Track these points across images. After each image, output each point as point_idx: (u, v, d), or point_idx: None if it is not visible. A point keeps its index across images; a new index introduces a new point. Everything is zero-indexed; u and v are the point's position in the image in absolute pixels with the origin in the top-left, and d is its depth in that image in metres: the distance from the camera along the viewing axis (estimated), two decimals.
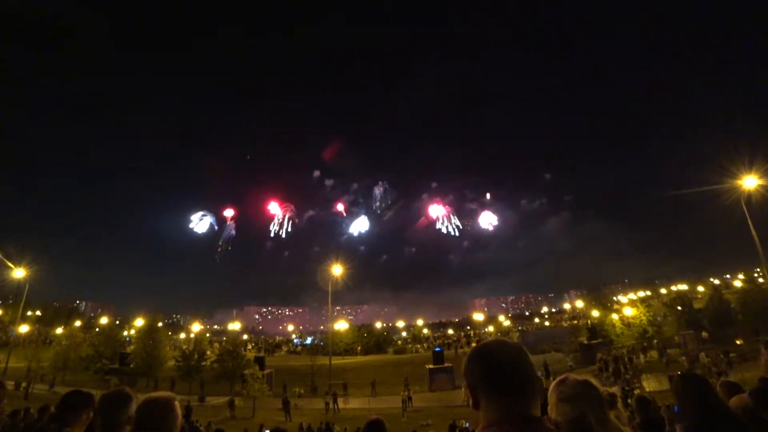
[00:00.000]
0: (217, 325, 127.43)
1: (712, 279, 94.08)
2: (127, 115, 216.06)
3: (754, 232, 21.74)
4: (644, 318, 41.39)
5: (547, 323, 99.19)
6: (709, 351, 27.79)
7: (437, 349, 37.63)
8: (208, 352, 40.50)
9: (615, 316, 43.86)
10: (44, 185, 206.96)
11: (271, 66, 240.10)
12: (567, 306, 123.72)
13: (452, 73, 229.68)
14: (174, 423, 1.91)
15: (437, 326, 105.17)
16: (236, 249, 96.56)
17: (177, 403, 1.98)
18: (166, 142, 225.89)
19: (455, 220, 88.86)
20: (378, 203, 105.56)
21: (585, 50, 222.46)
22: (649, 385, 22.95)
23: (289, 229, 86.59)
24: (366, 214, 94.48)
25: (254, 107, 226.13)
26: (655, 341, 36.68)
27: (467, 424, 15.46)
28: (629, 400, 10.66)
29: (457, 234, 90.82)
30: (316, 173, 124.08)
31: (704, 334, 36.04)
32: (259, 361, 33.72)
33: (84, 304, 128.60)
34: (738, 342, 31.50)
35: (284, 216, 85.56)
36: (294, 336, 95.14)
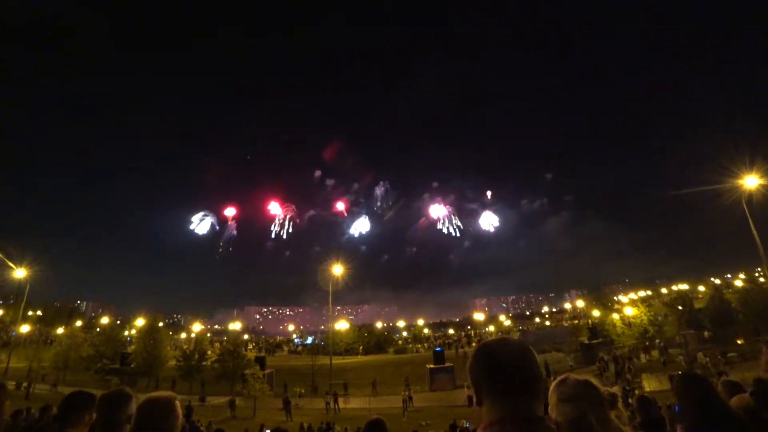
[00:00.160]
0: (218, 325, 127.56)
1: (712, 279, 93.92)
2: (127, 115, 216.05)
3: (755, 232, 21.72)
4: (645, 318, 41.36)
5: (547, 323, 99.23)
6: (707, 351, 27.78)
7: (438, 349, 37.66)
8: (209, 352, 40.59)
9: (616, 316, 43.83)
10: (44, 185, 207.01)
11: (271, 66, 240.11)
12: (567, 306, 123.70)
13: (452, 73, 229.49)
14: (174, 423, 1.91)
15: (438, 326, 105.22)
16: (237, 249, 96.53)
17: (178, 403, 1.98)
18: (166, 142, 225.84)
19: (456, 221, 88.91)
20: (379, 203, 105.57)
21: (585, 50, 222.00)
22: (650, 384, 22.94)
23: (290, 230, 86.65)
24: (367, 214, 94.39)
25: (254, 107, 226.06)
26: (657, 341, 36.68)
27: (467, 424, 15.46)
28: (630, 400, 10.66)
29: (457, 234, 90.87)
30: (317, 173, 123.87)
31: (706, 333, 36.02)
32: (260, 361, 33.75)
33: (85, 304, 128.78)
34: (739, 342, 31.44)
35: (285, 216, 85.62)
36: (294, 336, 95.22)
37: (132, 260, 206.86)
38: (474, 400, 1.24)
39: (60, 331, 47.90)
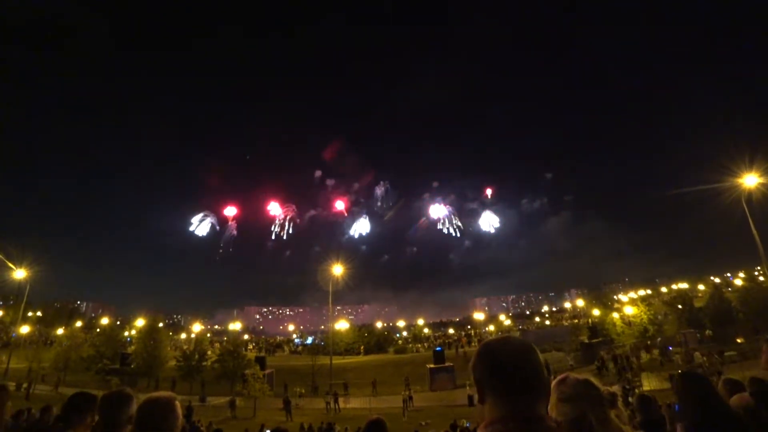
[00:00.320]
0: (218, 325, 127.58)
1: (712, 278, 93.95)
2: (127, 115, 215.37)
3: (754, 231, 21.73)
4: (645, 317, 41.43)
5: (547, 322, 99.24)
6: (704, 351, 27.85)
7: (438, 349, 37.66)
8: (209, 352, 40.58)
9: (616, 315, 43.88)
10: (44, 185, 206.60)
11: (271, 66, 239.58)
12: (568, 305, 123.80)
13: (452, 73, 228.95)
14: (175, 423, 1.91)
15: (438, 326, 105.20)
16: (237, 249, 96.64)
17: (178, 403, 1.99)
18: (166, 142, 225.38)
19: (456, 220, 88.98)
20: (379, 203, 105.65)
21: (585, 50, 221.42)
22: (650, 383, 22.93)
23: (290, 230, 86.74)
24: (367, 214, 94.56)
25: (254, 107, 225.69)
26: (659, 339, 36.73)
27: (468, 424, 15.47)
28: (630, 399, 10.66)
29: (458, 234, 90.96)
30: (317, 173, 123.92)
31: (708, 332, 36.06)
32: (260, 361, 33.77)
33: (85, 304, 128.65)
34: (739, 340, 31.49)
35: (285, 216, 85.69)
36: (295, 336, 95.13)
37: (132, 260, 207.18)
38: (476, 398, 1.25)
39: (60, 331, 47.92)
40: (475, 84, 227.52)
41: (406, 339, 74.04)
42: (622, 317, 43.11)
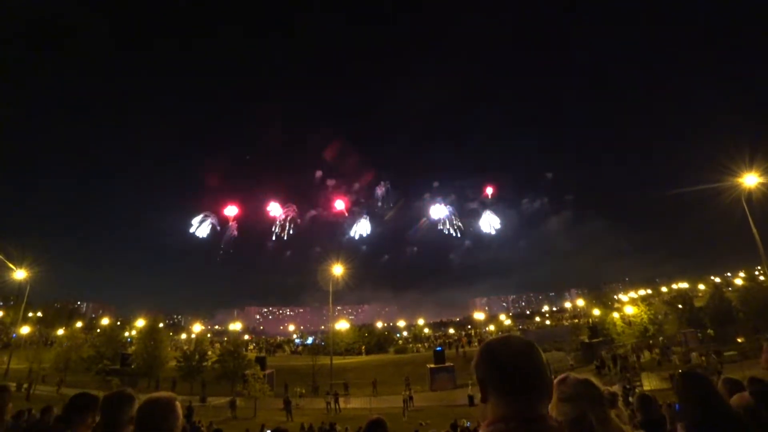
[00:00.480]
0: (218, 326, 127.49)
1: (712, 277, 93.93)
2: (127, 115, 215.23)
3: (755, 230, 21.73)
4: (645, 316, 41.39)
5: (548, 322, 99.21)
6: (701, 350, 27.86)
7: (438, 349, 37.67)
8: (209, 353, 40.58)
9: (616, 315, 43.86)
10: (44, 185, 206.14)
11: (271, 66, 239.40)
12: (568, 305, 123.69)
13: (452, 73, 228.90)
14: (175, 423, 1.91)
15: (438, 325, 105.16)
16: (237, 249, 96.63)
17: (178, 404, 1.99)
18: (166, 142, 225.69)
19: (456, 221, 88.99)
20: (379, 203, 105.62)
21: (585, 50, 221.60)
22: (650, 383, 22.92)
23: (290, 230, 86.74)
24: (367, 214, 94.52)
25: (254, 107, 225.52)
26: (661, 339, 36.74)
27: (468, 424, 15.46)
28: (630, 399, 10.67)
29: (458, 234, 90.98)
30: (318, 173, 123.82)
31: (709, 332, 36.03)
32: (261, 361, 33.76)
33: (85, 304, 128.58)
34: (739, 340, 31.47)
35: (285, 216, 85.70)
36: (295, 336, 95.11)
37: (132, 260, 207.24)
38: (478, 398, 1.26)
39: (60, 332, 47.91)
40: (475, 84, 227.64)
41: (406, 339, 74.01)
42: (622, 317, 43.08)
